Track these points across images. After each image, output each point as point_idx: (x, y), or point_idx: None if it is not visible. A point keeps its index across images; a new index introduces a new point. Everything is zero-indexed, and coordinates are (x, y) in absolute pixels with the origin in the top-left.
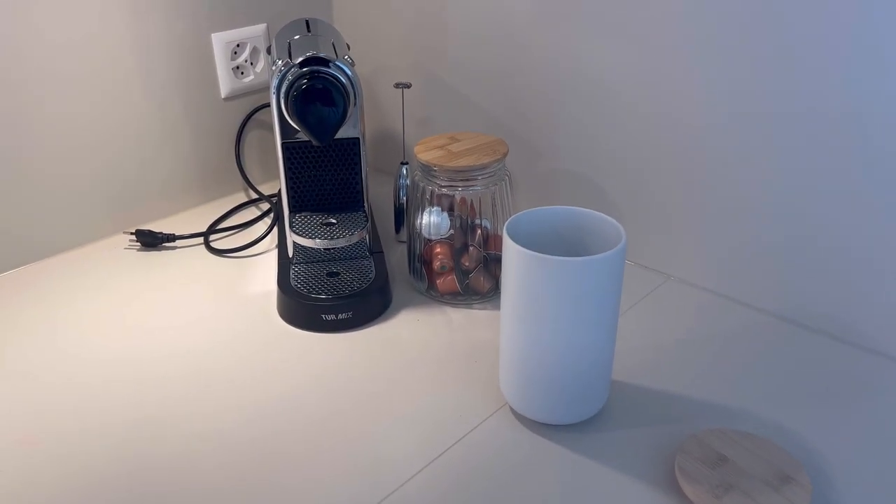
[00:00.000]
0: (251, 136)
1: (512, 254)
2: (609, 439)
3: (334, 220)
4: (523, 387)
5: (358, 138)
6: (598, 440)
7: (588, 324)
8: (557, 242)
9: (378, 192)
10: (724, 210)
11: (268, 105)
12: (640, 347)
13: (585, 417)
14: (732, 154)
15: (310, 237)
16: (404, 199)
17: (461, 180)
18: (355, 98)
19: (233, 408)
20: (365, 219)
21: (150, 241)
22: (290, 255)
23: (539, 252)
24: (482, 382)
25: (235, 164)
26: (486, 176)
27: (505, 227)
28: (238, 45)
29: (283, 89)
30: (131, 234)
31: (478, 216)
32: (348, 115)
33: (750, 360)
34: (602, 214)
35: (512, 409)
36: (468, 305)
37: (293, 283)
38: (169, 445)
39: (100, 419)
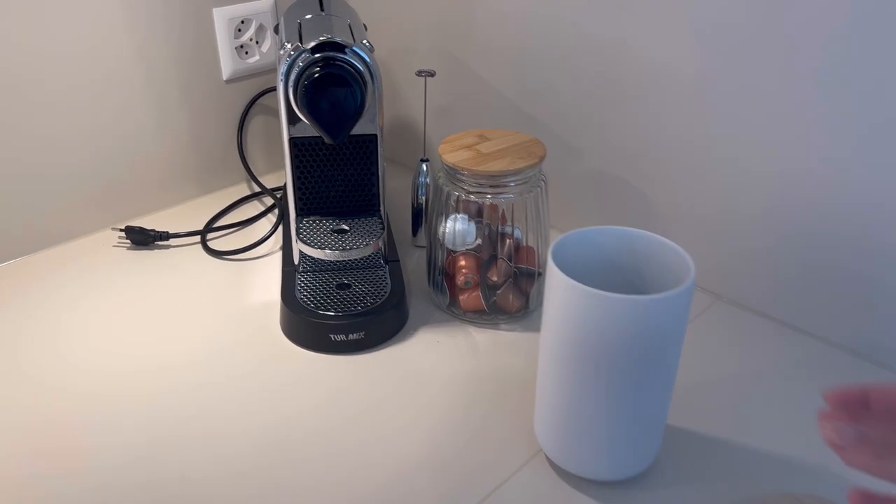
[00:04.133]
0: (255, 123)
1: (559, 285)
2: (661, 499)
3: (347, 227)
4: (564, 437)
5: (375, 135)
6: (648, 499)
7: (647, 371)
8: (609, 270)
9: (393, 187)
10: (786, 228)
11: (274, 89)
12: (691, 384)
13: (635, 473)
14: (809, 167)
15: (319, 247)
16: (423, 198)
17: (491, 186)
18: (374, 89)
19: (224, 436)
20: (381, 226)
21: (142, 238)
22: (296, 261)
23: (589, 282)
24: (513, 421)
25: (237, 154)
26: (521, 182)
27: (550, 252)
28: (242, 22)
29: (293, 77)
30: (120, 230)
31: (507, 223)
32: (366, 108)
33: (819, 401)
34: (664, 240)
35: (548, 458)
36: (495, 326)
37: (298, 295)
38: (152, 475)
39: (73, 440)
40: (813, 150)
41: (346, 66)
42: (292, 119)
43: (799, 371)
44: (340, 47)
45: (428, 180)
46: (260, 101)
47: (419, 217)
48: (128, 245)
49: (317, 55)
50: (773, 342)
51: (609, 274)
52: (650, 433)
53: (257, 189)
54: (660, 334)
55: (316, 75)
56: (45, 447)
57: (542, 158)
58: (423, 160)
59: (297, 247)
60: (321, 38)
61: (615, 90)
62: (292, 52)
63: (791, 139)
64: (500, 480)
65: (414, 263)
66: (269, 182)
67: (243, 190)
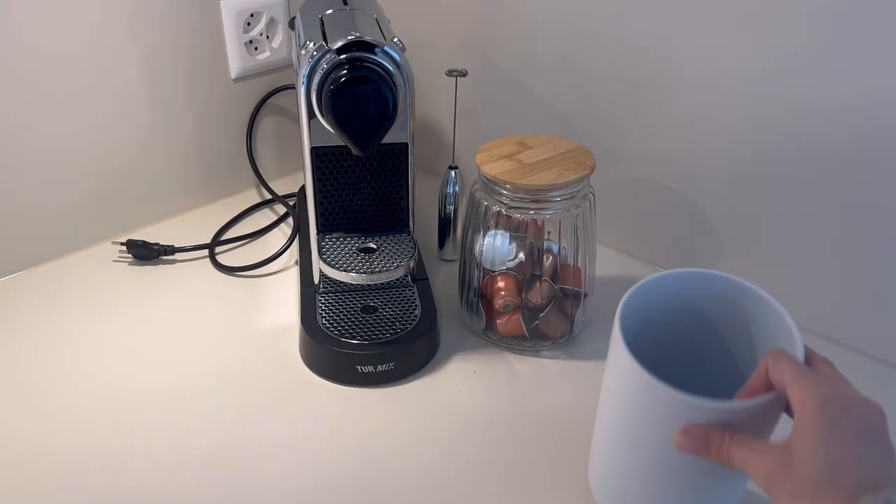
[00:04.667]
0: (265, 124)
1: (625, 372)
2: None
3: (374, 246)
4: (627, 499)
5: (406, 143)
6: None
7: (726, 473)
8: (684, 326)
9: (417, 195)
10: (853, 246)
11: (286, 87)
12: None
13: None
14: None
15: (344, 269)
16: (451, 208)
17: (534, 200)
18: (406, 93)
19: (237, 478)
20: (412, 245)
21: (144, 253)
22: (316, 281)
23: (660, 334)
24: (559, 470)
25: (246, 158)
26: (567, 196)
27: (618, 314)
28: (252, 16)
29: (316, 81)
30: (121, 244)
31: (551, 239)
32: (398, 114)
33: None
34: (764, 294)
35: None
36: (535, 353)
37: (320, 320)
38: None
39: (67, 467)
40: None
41: (376, 67)
42: (314, 126)
43: None
44: (370, 47)
45: (457, 189)
46: (271, 100)
47: (446, 229)
48: (129, 260)
49: (342, 56)
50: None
51: (684, 322)
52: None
53: (268, 196)
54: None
55: (343, 79)
56: (38, 472)
57: (591, 170)
58: (451, 167)
59: (319, 267)
60: (349, 38)
61: (658, 94)
62: (315, 53)
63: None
64: None
65: (441, 280)
66: (281, 188)
67: (253, 197)
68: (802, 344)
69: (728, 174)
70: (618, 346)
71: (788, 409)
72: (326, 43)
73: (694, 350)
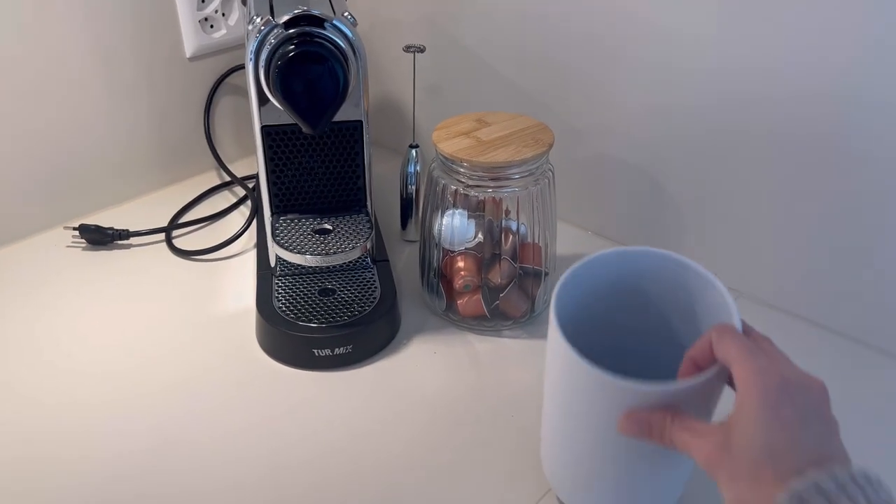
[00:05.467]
0: (223, 105)
1: (563, 359)
2: None
3: (330, 227)
4: (578, 485)
5: (360, 121)
6: None
7: (669, 454)
8: (626, 305)
9: (378, 174)
10: (818, 217)
11: (244, 67)
12: None
13: None
14: (848, 152)
15: (299, 251)
16: (413, 188)
17: (493, 178)
18: (359, 69)
19: (193, 463)
20: (369, 225)
21: (98, 238)
22: (272, 264)
23: (599, 315)
24: (519, 450)
25: (204, 139)
26: (526, 173)
27: (553, 297)
28: None
29: (264, 57)
30: (74, 229)
31: (510, 217)
32: (349, 91)
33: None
34: (703, 270)
35: (558, 498)
36: (497, 333)
37: (276, 304)
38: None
39: (20, 460)
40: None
41: (325, 42)
42: (263, 104)
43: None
44: (319, 21)
45: (418, 168)
46: (228, 80)
47: (408, 209)
48: (83, 245)
49: (291, 31)
50: (807, 345)
51: (626, 310)
52: (676, 480)
53: (227, 178)
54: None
55: (291, 54)
56: None
57: (550, 146)
58: (412, 146)
59: (274, 250)
60: (296, 11)
61: (624, 65)
62: (262, 28)
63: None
64: None
65: (404, 261)
66: (241, 170)
67: (212, 179)
68: (739, 319)
69: (690, 151)
70: (554, 334)
71: (731, 383)
72: (273, 17)
73: (636, 328)
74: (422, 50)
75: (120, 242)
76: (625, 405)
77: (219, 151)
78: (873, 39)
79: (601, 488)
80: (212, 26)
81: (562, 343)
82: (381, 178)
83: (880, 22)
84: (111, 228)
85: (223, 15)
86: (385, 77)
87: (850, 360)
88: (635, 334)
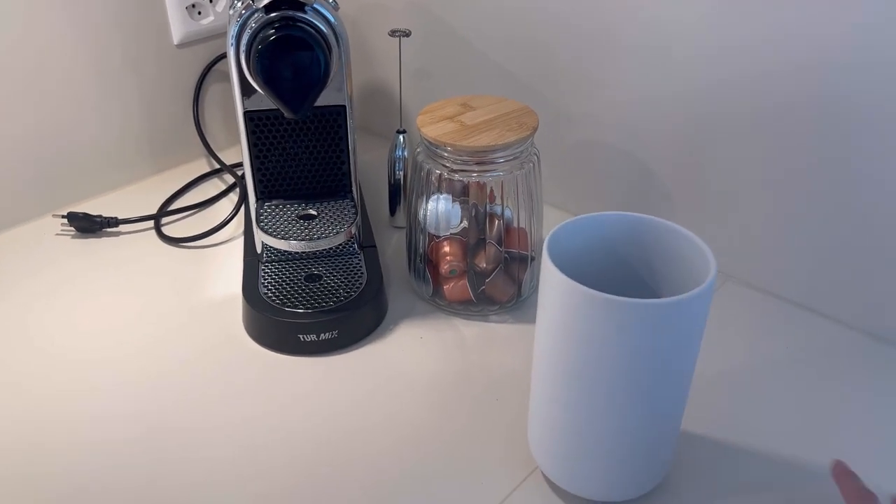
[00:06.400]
0: (212, 92)
1: (556, 286)
2: None
3: (314, 212)
4: (565, 457)
5: (344, 106)
6: None
7: (659, 382)
8: (614, 264)
9: (366, 161)
10: (810, 203)
11: None
12: (704, 380)
13: (645, 491)
14: (842, 136)
15: (283, 236)
16: (400, 174)
17: (478, 162)
18: (341, 53)
19: (175, 447)
20: (354, 210)
21: (87, 226)
22: (259, 250)
23: (590, 277)
24: (506, 432)
25: (193, 127)
26: (511, 157)
27: (546, 245)
28: None
29: (244, 41)
30: (62, 217)
31: (496, 202)
32: (331, 76)
33: (849, 395)
34: (679, 228)
35: (545, 476)
36: (483, 317)
37: (262, 290)
38: (101, 486)
39: (8, 448)
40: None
41: (306, 26)
42: (246, 90)
43: (819, 359)
44: (299, 5)
45: (406, 154)
46: (217, 67)
47: (397, 195)
48: (72, 233)
49: (272, 14)
50: (792, 327)
51: (613, 266)
52: (661, 448)
53: (217, 166)
54: (677, 342)
55: (271, 38)
56: None
57: (534, 130)
58: (399, 131)
59: (258, 236)
60: None
61: (613, 49)
62: (243, 11)
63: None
64: (491, 503)
65: (392, 247)
66: (230, 157)
67: (201, 167)
68: (715, 266)
69: (678, 137)
70: (546, 265)
71: None
72: (254, 1)
73: (619, 290)
74: (407, 34)
75: (109, 230)
76: (617, 323)
77: (208, 139)
78: (870, 27)
79: (589, 457)
80: (199, 13)
81: (557, 275)
82: (370, 165)
83: (871, 10)
84: (100, 216)
85: (210, 1)
86: (374, 62)
87: (841, 347)
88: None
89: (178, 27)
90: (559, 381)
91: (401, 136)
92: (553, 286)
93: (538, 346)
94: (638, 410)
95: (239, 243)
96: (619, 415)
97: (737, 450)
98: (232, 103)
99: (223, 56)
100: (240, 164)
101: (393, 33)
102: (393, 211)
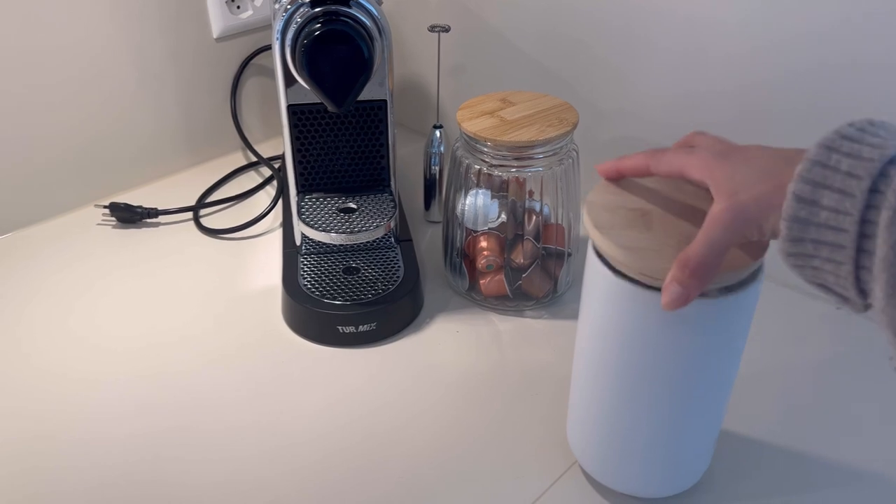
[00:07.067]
0: (250, 86)
1: (603, 283)
2: None
3: (354, 206)
4: (605, 452)
5: (385, 100)
6: None
7: (705, 379)
8: None
9: (402, 156)
10: None
11: (270, 47)
12: (745, 379)
13: (683, 489)
14: None
15: (323, 229)
16: (436, 169)
17: (517, 158)
18: (384, 48)
19: (215, 435)
20: (392, 204)
21: (128, 216)
22: (298, 242)
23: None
24: (544, 426)
25: (231, 120)
26: (550, 153)
27: (591, 242)
28: None
29: (290, 36)
30: (104, 207)
31: (534, 197)
32: (374, 69)
33: (892, 397)
34: None
35: (584, 471)
36: (519, 313)
37: (302, 281)
38: (142, 476)
39: (48, 431)
40: None
41: (351, 21)
42: (290, 83)
43: (861, 361)
44: (344, 0)
45: (442, 149)
46: (255, 60)
47: (432, 189)
48: (112, 223)
49: (317, 9)
50: (830, 327)
51: None
52: (702, 446)
53: (254, 159)
54: (723, 340)
55: (317, 33)
56: (37, 423)
57: (574, 126)
58: (436, 126)
59: (299, 228)
60: None
61: (649, 45)
62: (289, 7)
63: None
64: (529, 498)
65: (427, 242)
66: (267, 150)
67: (238, 160)
68: (763, 270)
69: (713, 131)
70: (591, 258)
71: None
72: None
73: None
74: (447, 30)
75: (148, 221)
76: (671, 320)
77: (245, 132)
78: None
79: (630, 453)
80: (238, 7)
81: (606, 275)
82: (404, 160)
83: None
84: (140, 207)
85: None
86: (409, 58)
87: (884, 349)
88: None
89: (217, 21)
90: (602, 378)
91: (437, 132)
92: (599, 281)
93: (580, 341)
94: (680, 408)
95: (276, 235)
96: (662, 412)
97: (776, 450)
98: (274, 97)
99: (261, 50)
100: (276, 157)
101: (432, 29)
102: (428, 205)
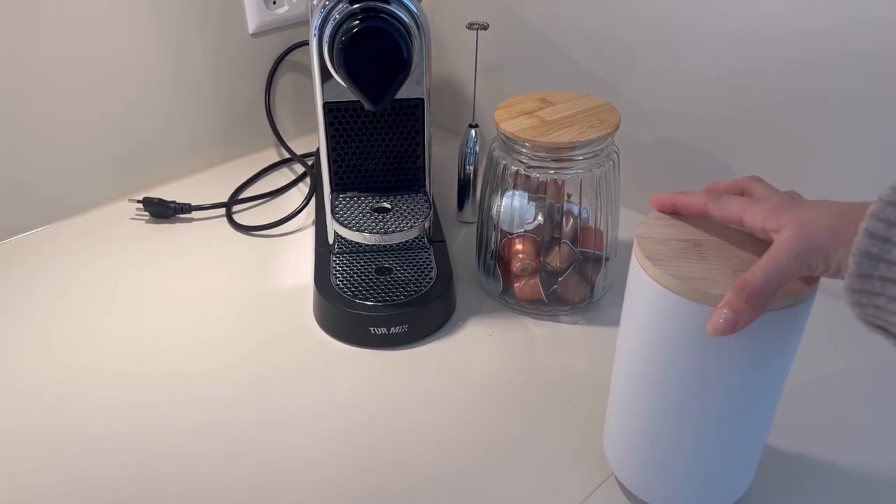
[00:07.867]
0: (284, 82)
1: (648, 293)
2: None
3: (388, 205)
4: (644, 465)
5: (422, 99)
6: None
7: (752, 393)
8: None
9: (434, 155)
10: None
11: (305, 43)
12: (792, 393)
13: None
14: None
15: (357, 229)
16: (470, 169)
17: (555, 160)
18: (422, 45)
19: (245, 433)
20: (427, 205)
21: (161, 211)
22: (330, 241)
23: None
24: (578, 436)
25: (264, 116)
26: (590, 155)
27: (634, 251)
28: None
29: (328, 32)
30: (138, 201)
31: (572, 200)
32: (412, 68)
33: None
34: None
35: (620, 482)
36: (554, 318)
37: (334, 281)
38: (169, 475)
39: (79, 426)
40: None
41: (390, 18)
42: (327, 80)
43: None
44: None
45: (477, 149)
46: (289, 57)
47: (465, 190)
48: (146, 218)
49: (356, 6)
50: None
51: None
52: (745, 461)
53: (287, 155)
54: (774, 352)
55: (355, 30)
56: (69, 416)
57: (616, 127)
58: (472, 126)
59: (333, 227)
60: None
61: (694, 46)
62: (327, 3)
63: None
64: None
65: (460, 243)
66: (300, 147)
67: (271, 156)
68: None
69: (760, 136)
70: (635, 267)
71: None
72: None
73: None
74: (485, 27)
75: (182, 216)
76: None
77: (279, 129)
78: None
79: (670, 467)
80: (274, 2)
81: (648, 281)
82: (437, 160)
83: None
84: (174, 202)
85: None
86: (444, 56)
87: None
88: None
89: (253, 16)
90: (644, 389)
91: (473, 131)
92: (644, 291)
93: (622, 350)
94: (724, 422)
95: (308, 233)
96: (705, 426)
97: (822, 465)
98: (308, 93)
99: (296, 46)
100: (309, 155)
101: (471, 26)
102: (461, 206)
